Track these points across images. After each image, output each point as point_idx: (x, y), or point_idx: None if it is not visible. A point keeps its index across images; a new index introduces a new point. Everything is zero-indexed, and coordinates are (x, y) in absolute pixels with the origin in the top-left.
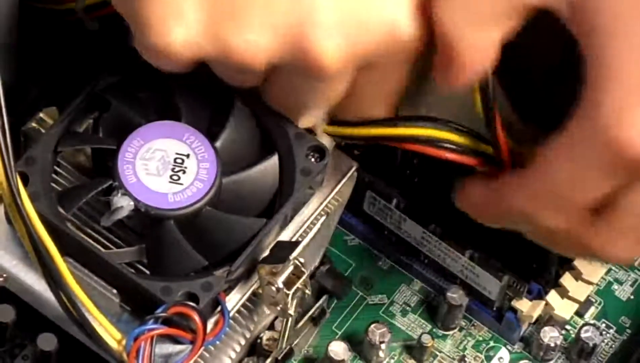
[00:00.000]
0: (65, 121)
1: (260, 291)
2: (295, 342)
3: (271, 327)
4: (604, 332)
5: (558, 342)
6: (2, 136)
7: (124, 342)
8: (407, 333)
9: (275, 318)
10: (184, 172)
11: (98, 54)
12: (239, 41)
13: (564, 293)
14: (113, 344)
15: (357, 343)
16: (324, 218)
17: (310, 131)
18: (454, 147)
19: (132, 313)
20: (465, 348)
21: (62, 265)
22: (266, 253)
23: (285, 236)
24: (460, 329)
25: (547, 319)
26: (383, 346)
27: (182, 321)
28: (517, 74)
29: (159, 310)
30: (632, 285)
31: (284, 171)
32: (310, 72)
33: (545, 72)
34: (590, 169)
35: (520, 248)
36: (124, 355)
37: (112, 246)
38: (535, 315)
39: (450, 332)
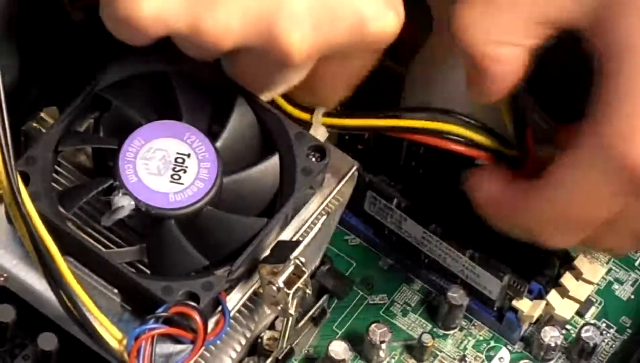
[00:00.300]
0: (65, 121)
1: (261, 290)
2: (295, 342)
3: (272, 326)
4: (604, 332)
5: (558, 342)
6: (2, 135)
7: (124, 342)
8: (408, 333)
9: (276, 317)
10: (185, 171)
11: (92, 50)
12: (209, 22)
13: (564, 293)
14: (114, 344)
15: (358, 343)
16: (324, 217)
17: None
18: (458, 139)
19: (133, 313)
20: (465, 348)
21: (62, 264)
22: (267, 252)
23: (286, 235)
24: (461, 329)
25: (548, 319)
26: (384, 346)
27: (183, 321)
28: (547, 74)
29: (160, 310)
30: (632, 285)
31: (284, 170)
32: (276, 59)
33: (572, 72)
34: (599, 189)
35: (520, 248)
36: (125, 355)
37: (112, 246)
38: (535, 315)
39: (451, 332)
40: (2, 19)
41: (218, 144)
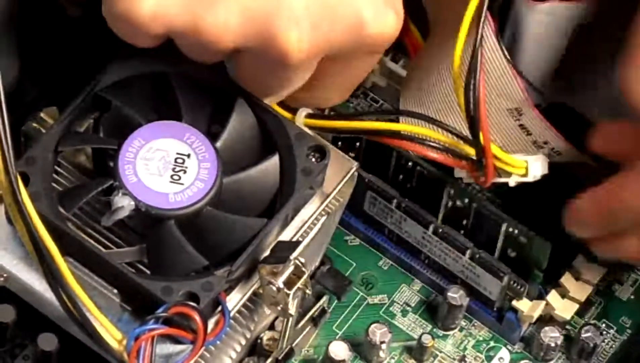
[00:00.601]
0: (65, 121)
1: (260, 291)
2: (295, 342)
3: (272, 327)
4: (604, 332)
5: (558, 342)
6: (2, 135)
7: (124, 342)
8: (408, 333)
9: (276, 318)
10: (185, 172)
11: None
12: (208, 21)
13: (564, 293)
14: (114, 344)
15: (358, 343)
16: (324, 218)
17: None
18: (436, 145)
19: (133, 313)
20: (465, 348)
21: (62, 264)
22: (267, 253)
23: (286, 236)
24: (461, 329)
25: (548, 319)
26: (383, 346)
27: (183, 321)
28: None
29: (160, 310)
30: (632, 285)
31: (284, 171)
32: (275, 58)
33: None
34: None
35: (511, 240)
36: (125, 355)
37: (112, 246)
38: (535, 315)
39: (451, 332)
40: (2, 19)
41: (218, 144)
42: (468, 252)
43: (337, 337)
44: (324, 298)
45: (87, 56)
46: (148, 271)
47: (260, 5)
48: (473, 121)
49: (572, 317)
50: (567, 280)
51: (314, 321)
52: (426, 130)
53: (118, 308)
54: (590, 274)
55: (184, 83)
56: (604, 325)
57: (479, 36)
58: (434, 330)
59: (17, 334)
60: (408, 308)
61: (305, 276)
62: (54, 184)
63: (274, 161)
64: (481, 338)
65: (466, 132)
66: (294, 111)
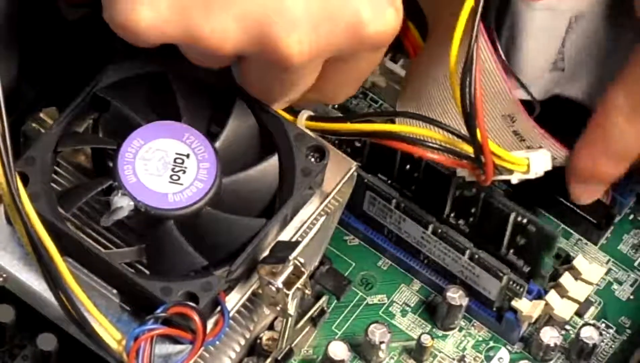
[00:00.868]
0: (65, 121)
1: (260, 291)
2: (294, 342)
3: (271, 327)
4: (603, 332)
5: (558, 342)
6: (2, 136)
7: (123, 342)
8: (407, 333)
9: (275, 318)
10: (184, 172)
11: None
12: (206, 29)
13: (563, 293)
14: (113, 344)
15: (357, 343)
16: (324, 218)
17: None
18: (435, 145)
19: (132, 313)
20: (465, 349)
21: (61, 265)
22: (266, 253)
23: (285, 236)
24: (460, 329)
25: (547, 319)
26: (383, 346)
27: (182, 321)
28: None
29: (159, 310)
30: (632, 285)
31: (283, 171)
32: (276, 64)
33: None
34: None
35: (520, 248)
36: (124, 355)
37: (112, 246)
38: (535, 315)
39: (450, 332)
40: (2, 19)
41: (217, 144)
42: (467, 252)
43: (336, 337)
44: (323, 298)
45: (86, 56)
46: (147, 272)
47: (259, 10)
48: (469, 118)
49: (572, 317)
50: (566, 280)
51: (313, 321)
52: (427, 131)
53: (117, 308)
54: (589, 274)
55: (183, 83)
56: (603, 325)
57: (475, 33)
58: (434, 330)
59: (16, 334)
60: (407, 308)
61: (304, 277)
62: (53, 185)
63: (273, 161)
64: (480, 338)
65: (465, 132)
66: (295, 113)
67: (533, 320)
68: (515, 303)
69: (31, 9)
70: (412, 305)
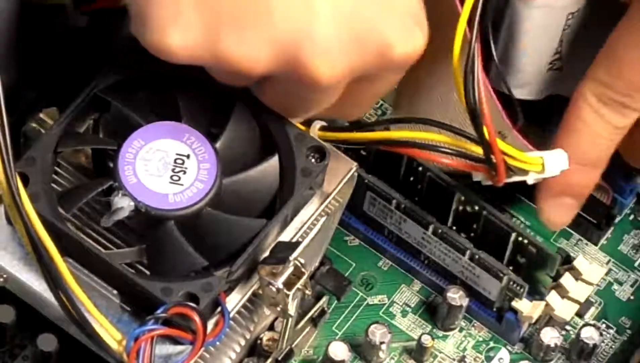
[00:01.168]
0: (65, 122)
1: (260, 291)
2: (295, 343)
3: (271, 327)
4: (604, 333)
5: (558, 343)
6: (2, 136)
7: (124, 343)
8: (407, 333)
9: (276, 318)
10: (185, 173)
11: (92, 53)
12: (237, 53)
13: (564, 294)
14: (113, 345)
15: (357, 343)
16: (324, 218)
17: None
18: (448, 150)
19: (132, 314)
20: (465, 349)
21: (62, 265)
22: (266, 253)
23: (286, 236)
24: (460, 330)
25: (547, 320)
26: (383, 347)
27: (182, 321)
28: None
29: (159, 311)
30: (632, 286)
31: (284, 171)
32: (305, 85)
33: None
34: None
35: (520, 249)
36: (124, 356)
37: (112, 247)
38: (535, 316)
39: (450, 333)
40: (3, 21)
41: (217, 145)
42: (467, 253)
43: (336, 338)
44: (324, 299)
45: (87, 56)
46: (148, 272)
47: (290, 35)
48: (476, 117)
49: (572, 318)
50: (566, 280)
51: (314, 321)
52: (439, 136)
53: (118, 308)
54: (589, 275)
55: (183, 84)
56: (603, 325)
57: (475, 31)
58: (434, 330)
59: (16, 334)
60: (408, 308)
61: (304, 277)
62: (54, 185)
63: (273, 162)
64: (481, 339)
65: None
66: (307, 124)
67: (533, 320)
68: (516, 303)
69: (31, 10)
70: (413, 305)
